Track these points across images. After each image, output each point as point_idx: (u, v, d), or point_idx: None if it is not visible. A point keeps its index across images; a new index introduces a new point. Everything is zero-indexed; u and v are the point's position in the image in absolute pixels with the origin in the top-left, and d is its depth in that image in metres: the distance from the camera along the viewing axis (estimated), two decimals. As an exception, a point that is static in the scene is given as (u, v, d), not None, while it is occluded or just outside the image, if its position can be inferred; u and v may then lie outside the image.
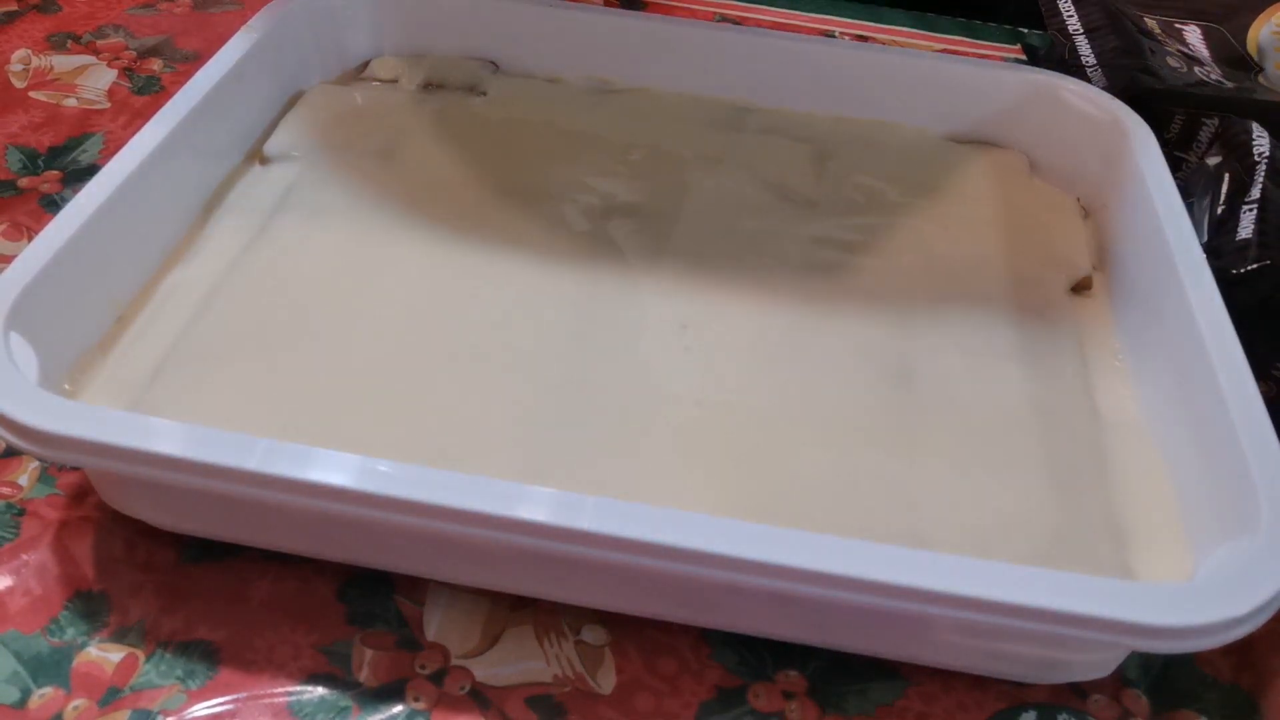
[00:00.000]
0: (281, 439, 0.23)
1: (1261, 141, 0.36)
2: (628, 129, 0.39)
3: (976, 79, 0.40)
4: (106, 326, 0.30)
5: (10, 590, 0.27)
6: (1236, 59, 0.44)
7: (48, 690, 0.25)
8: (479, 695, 0.25)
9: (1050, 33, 0.46)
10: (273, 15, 0.38)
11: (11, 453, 0.30)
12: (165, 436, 0.23)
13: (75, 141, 0.41)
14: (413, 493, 0.23)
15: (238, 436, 0.23)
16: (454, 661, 0.26)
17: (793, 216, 0.36)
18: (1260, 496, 0.24)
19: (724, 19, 0.53)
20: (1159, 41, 0.44)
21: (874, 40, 0.52)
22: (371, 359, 0.29)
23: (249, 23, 0.37)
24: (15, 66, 0.45)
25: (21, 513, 0.28)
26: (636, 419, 0.29)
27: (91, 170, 0.39)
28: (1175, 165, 0.40)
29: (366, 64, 0.42)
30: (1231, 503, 0.25)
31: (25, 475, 0.29)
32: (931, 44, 0.53)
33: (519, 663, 0.26)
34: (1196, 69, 0.43)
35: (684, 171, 0.38)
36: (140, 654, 0.26)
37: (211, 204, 0.35)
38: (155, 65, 0.46)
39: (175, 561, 0.27)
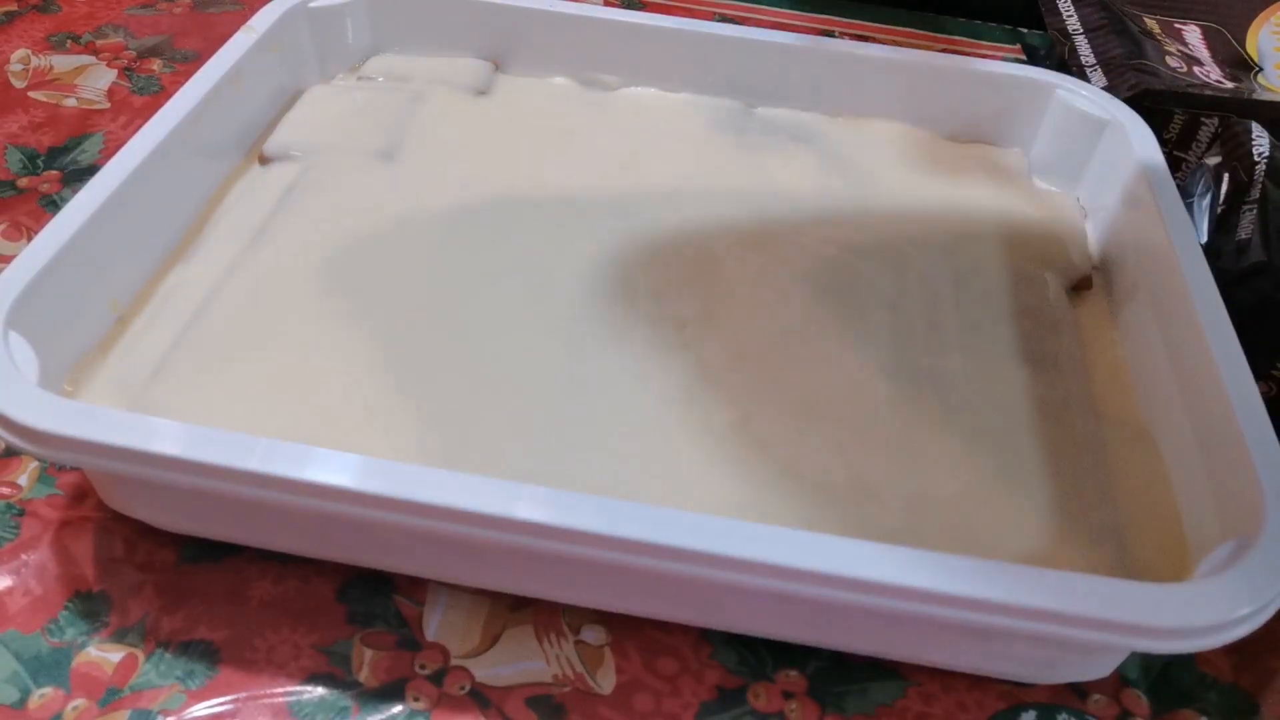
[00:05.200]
0: (281, 439, 0.23)
1: (1261, 141, 0.36)
2: (628, 129, 0.39)
3: (976, 79, 0.40)
4: (106, 326, 0.30)
5: (10, 590, 0.27)
6: (1236, 59, 0.45)
7: (47, 690, 0.25)
8: (479, 695, 0.25)
9: (1050, 33, 0.46)
10: (273, 15, 0.38)
11: (11, 453, 0.30)
12: (165, 436, 0.23)
13: (75, 141, 0.41)
14: (413, 493, 0.23)
15: (238, 436, 0.23)
16: (454, 661, 0.26)
17: (792, 217, 0.36)
18: (1260, 496, 0.24)
19: (724, 19, 0.53)
20: (1159, 41, 0.44)
21: (874, 40, 0.53)
22: (371, 359, 0.29)
23: (249, 23, 0.37)
24: (15, 66, 0.45)
25: (21, 513, 0.28)
26: (636, 418, 0.29)
27: (91, 170, 0.39)
28: (1175, 165, 0.40)
29: (366, 64, 0.42)
30: (1231, 503, 0.25)
31: (25, 475, 0.29)
32: (931, 44, 0.53)
33: (519, 663, 0.26)
34: (1196, 69, 0.43)
35: (684, 172, 0.38)
36: (140, 654, 0.26)
37: (211, 204, 0.35)
38: (155, 65, 0.46)
39: (175, 561, 0.27)
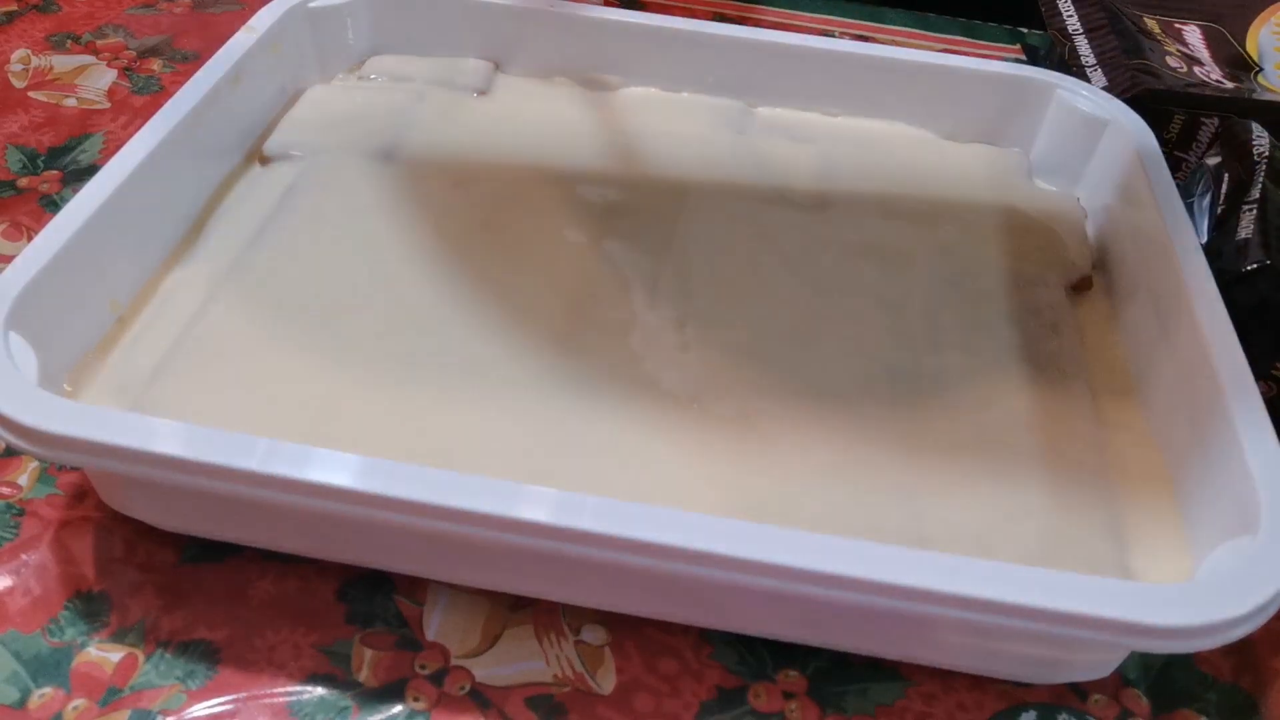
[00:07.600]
0: (281, 439, 0.23)
1: (1261, 141, 0.36)
2: (628, 129, 0.39)
3: (976, 79, 0.40)
4: (106, 326, 0.30)
5: (10, 590, 0.27)
6: (1236, 59, 0.44)
7: (47, 690, 0.25)
8: (479, 695, 0.25)
9: (1050, 33, 0.46)
10: (273, 15, 0.38)
11: (11, 453, 0.30)
12: (165, 436, 0.23)
13: (75, 141, 0.41)
14: (413, 493, 0.23)
15: (238, 436, 0.23)
16: (454, 661, 0.26)
17: (792, 217, 0.36)
18: (1260, 496, 0.24)
19: (723, 19, 0.53)
20: (1159, 41, 0.44)
21: (874, 40, 0.53)
22: (371, 359, 0.29)
23: (249, 23, 0.37)
24: (15, 66, 0.45)
25: (21, 513, 0.28)
26: (636, 417, 0.29)
27: (91, 170, 0.39)
28: (1175, 165, 0.40)
29: (366, 64, 0.42)
30: (1231, 503, 0.25)
31: (25, 475, 0.29)
32: (931, 44, 0.53)
33: (519, 663, 0.26)
34: (1196, 69, 0.43)
35: (684, 172, 0.38)
36: (140, 654, 0.26)
37: (211, 204, 0.35)
38: (155, 65, 0.46)
39: (175, 561, 0.27)
